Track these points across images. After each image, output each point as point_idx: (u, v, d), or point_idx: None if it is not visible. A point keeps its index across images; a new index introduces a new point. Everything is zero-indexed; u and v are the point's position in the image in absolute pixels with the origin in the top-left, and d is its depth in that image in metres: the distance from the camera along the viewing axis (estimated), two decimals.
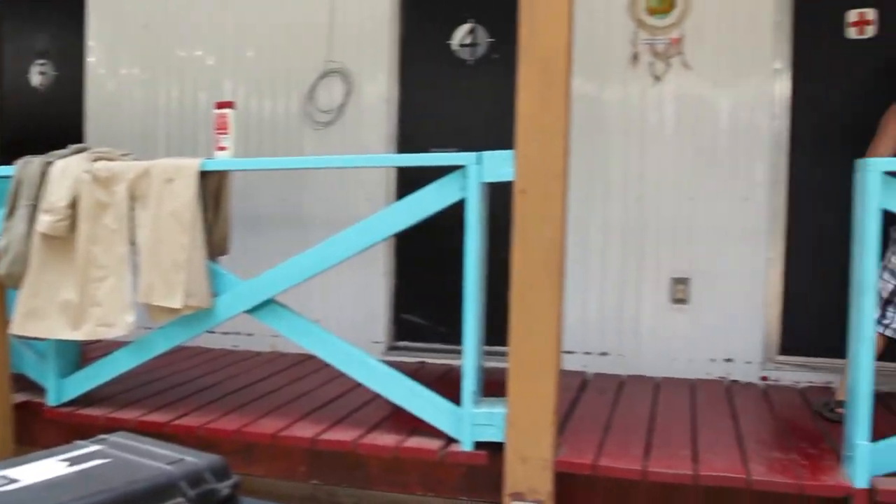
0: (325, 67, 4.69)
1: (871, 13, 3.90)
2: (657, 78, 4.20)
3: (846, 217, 2.83)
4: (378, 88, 4.65)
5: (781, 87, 4.09)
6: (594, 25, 4.20)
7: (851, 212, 2.78)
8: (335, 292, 4.61)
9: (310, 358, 3.81)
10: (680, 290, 4.20)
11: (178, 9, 5.01)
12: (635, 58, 4.22)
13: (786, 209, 4.10)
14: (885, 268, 3.38)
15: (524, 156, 2.72)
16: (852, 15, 3.95)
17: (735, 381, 4.13)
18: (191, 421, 3.35)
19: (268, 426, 3.26)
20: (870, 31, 3.94)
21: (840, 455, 2.90)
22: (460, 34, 4.57)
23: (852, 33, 3.97)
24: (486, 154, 2.83)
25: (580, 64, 4.03)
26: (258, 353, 4.72)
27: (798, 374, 4.07)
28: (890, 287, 3.39)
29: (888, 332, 3.41)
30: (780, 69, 4.08)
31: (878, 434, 2.75)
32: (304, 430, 3.21)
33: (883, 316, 3.39)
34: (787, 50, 4.08)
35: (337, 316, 4.53)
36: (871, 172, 2.67)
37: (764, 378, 4.11)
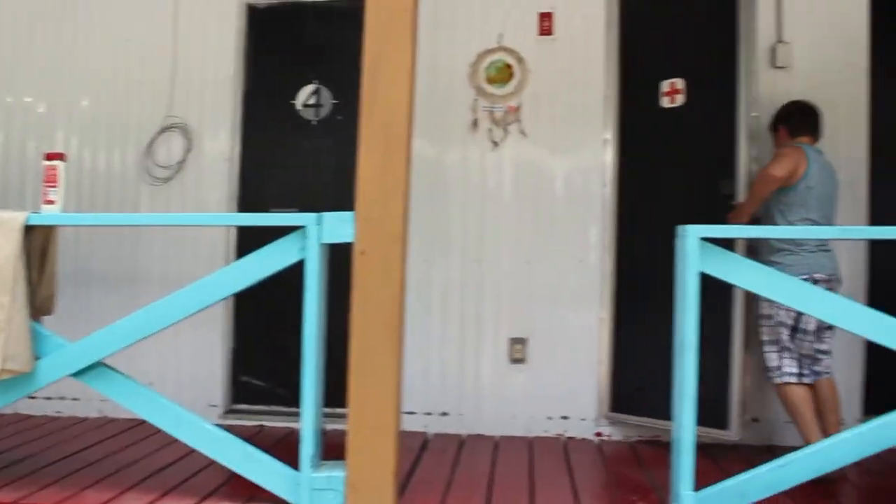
0: (165, 122, 4.57)
1: (679, 83, 4.19)
2: (496, 144, 4.36)
3: (669, 279, 3.00)
4: (219, 146, 4.57)
5: (610, 156, 4.33)
6: (436, 91, 4.32)
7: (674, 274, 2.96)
8: (171, 354, 4.44)
9: (142, 423, 3.64)
10: (518, 350, 4.31)
11: (6, 51, 4.77)
12: (475, 124, 4.37)
13: (614, 271, 4.29)
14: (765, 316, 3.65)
15: (364, 218, 2.74)
16: (665, 85, 4.23)
17: (571, 438, 4.25)
18: (3, 496, 3.09)
19: (92, 499, 3.07)
20: (679, 100, 4.22)
21: None
22: (304, 94, 4.59)
23: (665, 102, 4.25)
24: (327, 215, 2.84)
25: (422, 127, 4.15)
26: (85, 419, 4.45)
27: (630, 429, 4.24)
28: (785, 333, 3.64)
29: (807, 380, 3.65)
30: (608, 139, 4.32)
31: (701, 482, 2.90)
32: (133, 502, 3.03)
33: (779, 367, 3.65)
34: (615, 121, 4.33)
35: (173, 378, 4.37)
36: (690, 238, 2.85)
37: (598, 434, 4.25)
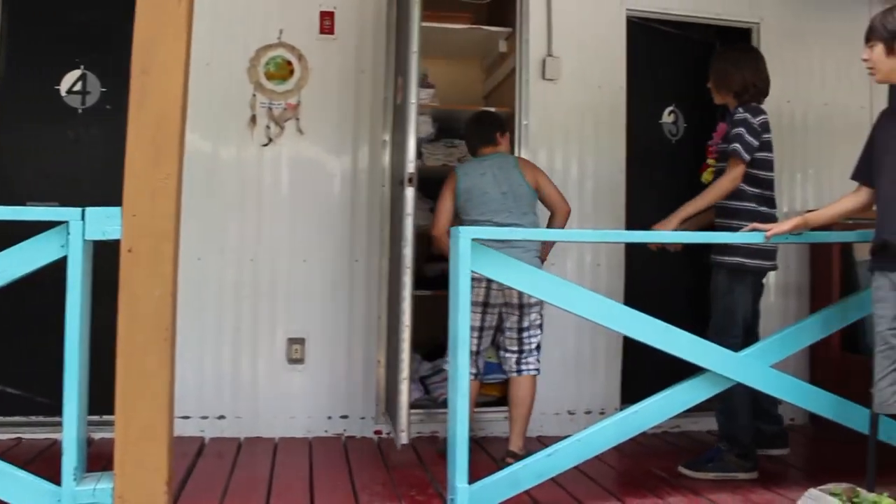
0: None
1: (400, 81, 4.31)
2: (273, 141, 4.28)
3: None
4: None
5: (388, 157, 4.36)
6: (213, 84, 4.18)
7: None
8: None
9: None
10: (296, 350, 4.25)
11: None
12: (253, 120, 4.27)
13: (388, 269, 4.30)
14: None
15: (133, 213, 2.59)
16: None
17: (351, 437, 4.25)
18: None
19: None
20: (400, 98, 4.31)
21: (445, 498, 3.12)
22: (69, 80, 4.27)
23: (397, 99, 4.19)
24: (91, 210, 2.65)
25: (197, 122, 4.00)
26: None
27: (409, 426, 4.29)
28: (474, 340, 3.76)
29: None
30: (387, 140, 4.36)
31: (476, 475, 3.01)
32: None
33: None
34: (393, 122, 4.38)
35: None
36: (462, 239, 2.97)
37: (377, 432, 4.29)
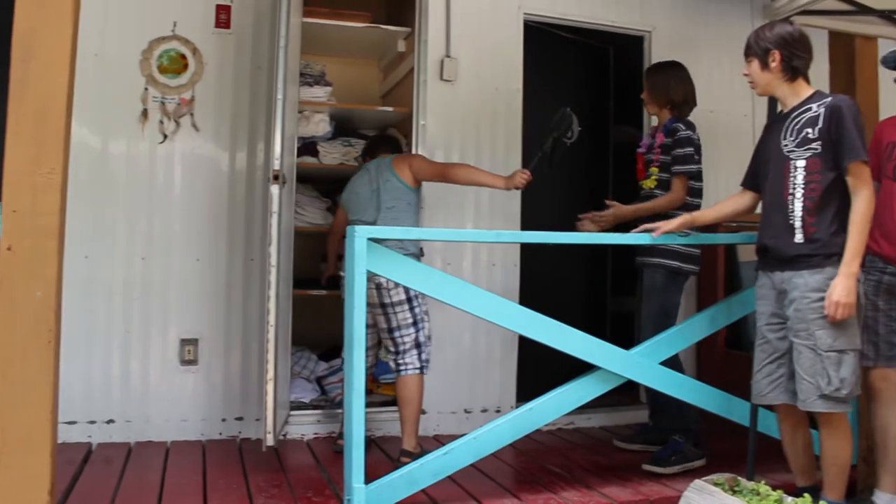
0: None
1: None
2: (166, 136, 4.16)
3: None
4: None
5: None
6: (103, 77, 4.05)
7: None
8: None
9: None
10: (189, 351, 4.15)
11: None
12: (145, 114, 4.14)
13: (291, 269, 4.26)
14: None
15: (12, 210, 2.47)
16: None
17: (247, 439, 4.18)
18: None
19: None
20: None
21: (342, 499, 3.10)
22: None
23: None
24: None
25: (86, 115, 3.90)
26: None
27: (304, 427, 4.27)
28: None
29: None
30: None
31: (373, 475, 3.01)
32: None
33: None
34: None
35: None
36: (358, 239, 2.96)
37: None
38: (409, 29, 4.63)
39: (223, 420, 4.19)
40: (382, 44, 4.98)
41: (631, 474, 3.64)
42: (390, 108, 4.80)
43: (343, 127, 4.83)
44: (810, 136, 2.96)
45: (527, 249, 4.64)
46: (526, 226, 4.59)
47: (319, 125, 4.66)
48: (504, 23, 4.68)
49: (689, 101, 3.99)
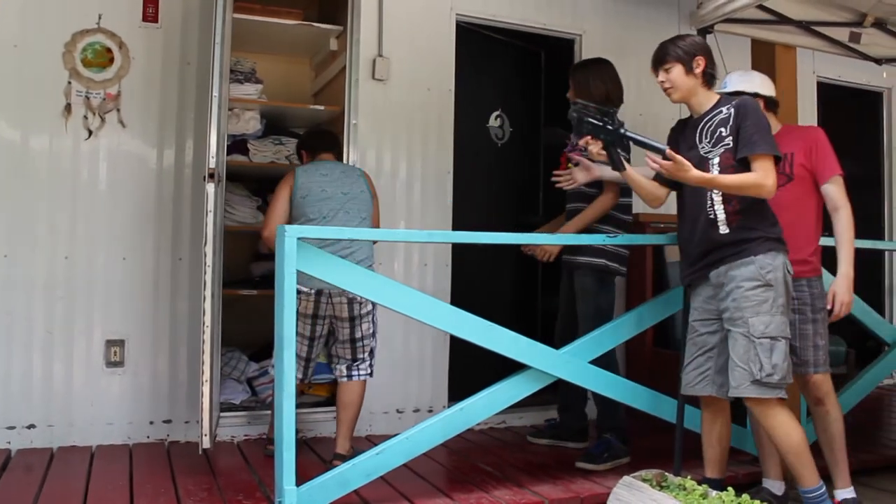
0: None
1: None
2: (91, 132, 4.06)
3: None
4: None
5: (214, 151, 4.22)
6: (23, 70, 3.93)
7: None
8: None
9: None
10: (115, 353, 4.05)
11: None
12: (68, 109, 4.03)
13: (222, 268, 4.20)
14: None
15: None
16: None
17: (175, 442, 4.10)
18: None
19: None
20: None
21: (273, 501, 3.07)
22: None
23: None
24: None
25: (4, 108, 3.78)
26: None
27: (235, 429, 4.21)
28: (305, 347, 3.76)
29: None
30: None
31: (305, 477, 2.99)
32: None
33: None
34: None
35: None
36: (288, 238, 2.93)
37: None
38: (340, 27, 4.61)
39: (151, 423, 4.10)
40: (314, 42, 4.94)
41: (562, 472, 3.69)
42: (322, 107, 4.76)
43: (274, 125, 4.77)
44: (723, 134, 3.07)
45: (458, 249, 4.66)
46: (457, 226, 4.61)
47: (250, 123, 4.60)
48: (437, 23, 4.69)
49: (611, 98, 3.96)
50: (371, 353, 3.81)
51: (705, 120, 3.15)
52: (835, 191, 3.34)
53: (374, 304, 3.72)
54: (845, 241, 3.30)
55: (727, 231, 3.05)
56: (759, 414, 3.03)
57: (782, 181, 3.27)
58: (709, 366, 3.17)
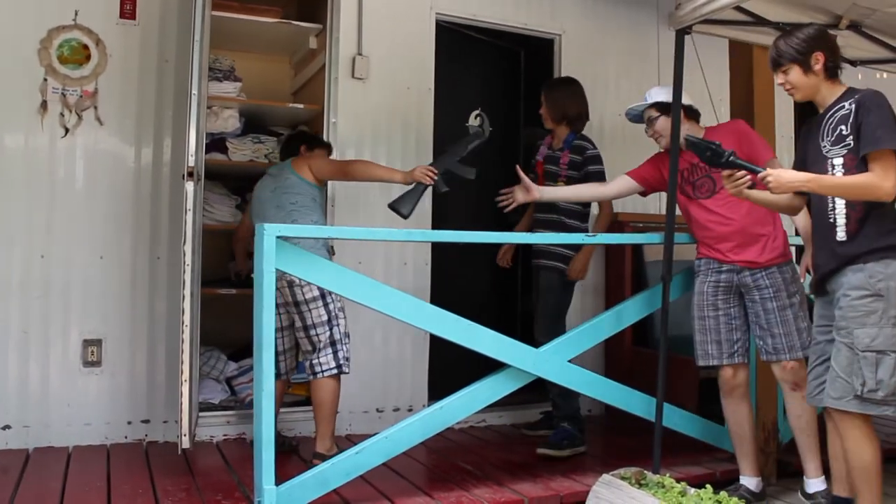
0: None
1: None
2: (68, 130, 4.02)
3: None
4: None
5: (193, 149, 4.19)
6: None
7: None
8: None
9: None
10: (92, 353, 4.01)
11: None
12: (44, 107, 3.99)
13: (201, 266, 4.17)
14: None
15: None
16: None
17: (153, 442, 4.07)
18: None
19: None
20: None
21: (252, 501, 3.06)
22: None
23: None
24: None
25: None
26: None
27: (214, 428, 4.18)
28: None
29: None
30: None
31: (285, 476, 2.99)
32: None
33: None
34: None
35: None
36: (267, 237, 2.92)
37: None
38: (320, 26, 4.59)
39: (129, 423, 4.07)
40: (293, 40, 4.92)
41: (542, 471, 3.70)
42: (301, 106, 4.74)
43: (253, 123, 4.75)
44: (844, 132, 2.88)
45: (438, 248, 4.66)
46: (437, 225, 4.62)
47: (229, 121, 4.58)
48: (416, 22, 4.69)
49: (583, 116, 4.23)
50: (332, 343, 3.66)
51: (828, 115, 2.96)
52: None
53: (325, 291, 3.62)
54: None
55: (844, 238, 2.85)
56: (842, 423, 2.83)
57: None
58: (826, 376, 2.91)
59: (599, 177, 4.06)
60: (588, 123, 4.32)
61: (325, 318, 3.67)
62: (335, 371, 3.65)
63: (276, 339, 3.69)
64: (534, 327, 4.17)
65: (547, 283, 4.17)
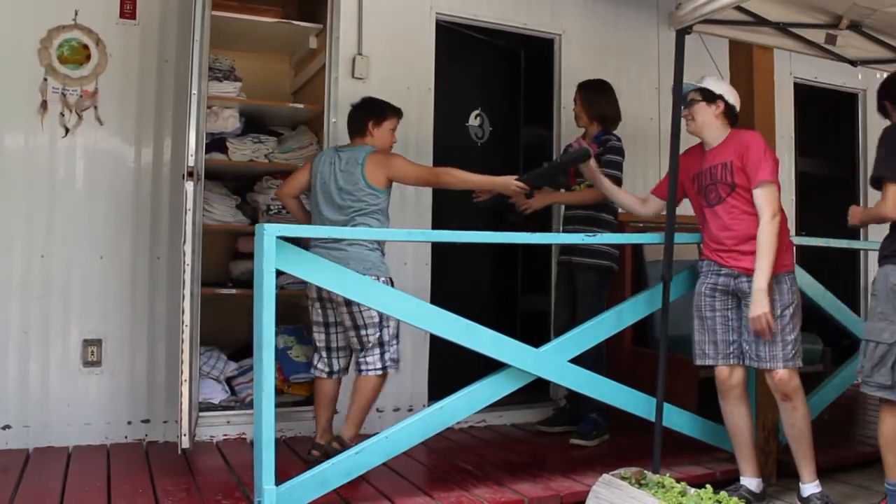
0: None
1: None
2: (68, 130, 4.02)
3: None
4: None
5: (193, 149, 4.18)
6: None
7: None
8: None
9: None
10: (92, 353, 4.02)
11: None
12: (44, 106, 3.99)
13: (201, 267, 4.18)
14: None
15: None
16: None
17: (153, 442, 4.07)
18: None
19: None
20: None
21: (252, 501, 3.06)
22: None
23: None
24: None
25: None
26: None
27: (214, 428, 4.18)
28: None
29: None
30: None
31: (286, 476, 2.99)
32: None
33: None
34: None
35: None
36: (267, 237, 2.92)
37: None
38: (320, 25, 4.60)
39: (129, 423, 4.07)
40: (294, 40, 4.92)
41: (542, 471, 3.70)
42: (301, 105, 4.75)
43: (253, 123, 4.75)
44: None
45: (438, 249, 4.66)
46: (437, 225, 4.61)
47: (229, 121, 4.57)
48: (416, 22, 4.68)
49: (617, 119, 4.43)
50: (380, 345, 3.69)
51: None
52: (760, 195, 3.36)
53: None
54: (763, 252, 3.31)
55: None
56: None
57: (726, 191, 3.45)
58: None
59: (613, 166, 4.17)
60: None
61: (376, 319, 3.67)
62: (380, 371, 3.71)
63: (324, 334, 3.74)
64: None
65: (584, 283, 4.29)
